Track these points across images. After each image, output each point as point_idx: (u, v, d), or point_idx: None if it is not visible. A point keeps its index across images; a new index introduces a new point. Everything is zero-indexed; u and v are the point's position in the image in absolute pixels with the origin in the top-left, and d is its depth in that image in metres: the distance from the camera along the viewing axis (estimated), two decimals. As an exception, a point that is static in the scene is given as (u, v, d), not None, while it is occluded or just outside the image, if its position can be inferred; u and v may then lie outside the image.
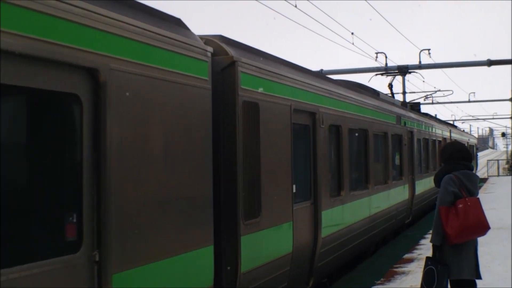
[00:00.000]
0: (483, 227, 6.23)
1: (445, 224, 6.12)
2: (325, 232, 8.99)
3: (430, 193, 20.85)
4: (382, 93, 16.06)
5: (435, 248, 6.28)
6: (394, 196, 14.56)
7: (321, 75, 10.10)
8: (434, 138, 22.42)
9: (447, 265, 6.15)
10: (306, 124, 8.67)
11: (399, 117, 15.39)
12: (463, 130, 50.01)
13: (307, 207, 8.55)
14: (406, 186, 16.22)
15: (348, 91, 11.08)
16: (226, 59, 6.35)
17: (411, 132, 17.40)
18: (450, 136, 28.02)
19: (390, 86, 23.84)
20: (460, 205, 6.15)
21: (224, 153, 6.29)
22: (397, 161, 15.42)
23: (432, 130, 21.78)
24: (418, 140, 18.70)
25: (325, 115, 9.22)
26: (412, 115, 18.04)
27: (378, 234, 13.08)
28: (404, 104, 22.00)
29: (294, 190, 7.99)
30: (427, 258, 6.36)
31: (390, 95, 23.61)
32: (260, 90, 6.95)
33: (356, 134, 11.65)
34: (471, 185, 6.35)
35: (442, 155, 6.69)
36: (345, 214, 10.24)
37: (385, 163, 13.95)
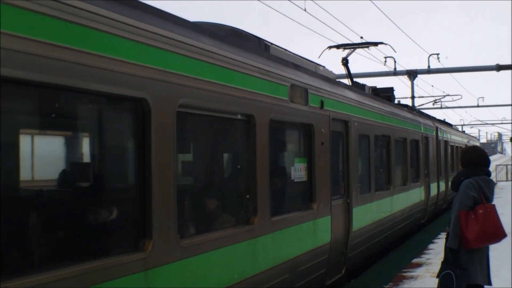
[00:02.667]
0: (501, 234, 6.37)
1: (465, 228, 6.15)
2: None
3: (392, 222, 13.38)
4: (278, 47, 8.70)
5: (451, 251, 6.27)
6: (289, 245, 7.27)
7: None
8: (404, 137, 14.94)
9: (466, 269, 6.18)
10: None
11: (302, 91, 8.03)
12: (464, 132, 42.41)
13: None
14: (325, 221, 8.81)
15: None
16: None
17: (345, 123, 10.01)
18: (437, 135, 20.50)
19: (345, 62, 16.46)
20: (480, 211, 6.22)
21: None
22: (297, 175, 8.06)
23: (397, 123, 14.25)
24: (364, 137, 11.27)
25: None
26: (349, 94, 10.59)
27: None
28: (359, 85, 14.64)
29: None
30: (443, 262, 6.41)
31: (347, 75, 16.29)
32: None
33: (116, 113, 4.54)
34: (489, 191, 6.47)
35: (464, 159, 6.66)
36: None
37: (253, 179, 6.59)
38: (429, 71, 29.20)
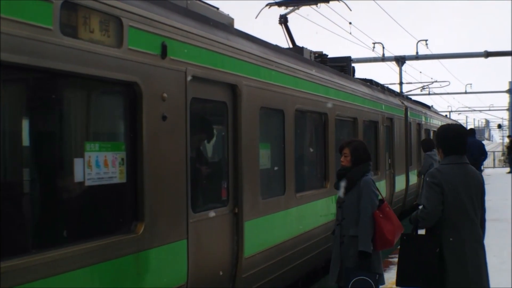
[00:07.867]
0: (401, 228, 5.98)
1: (383, 229, 5.77)
2: None
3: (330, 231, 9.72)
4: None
5: (365, 256, 5.73)
6: None
7: None
8: (353, 116, 11.20)
9: (381, 274, 5.90)
10: None
11: (107, 20, 4.37)
12: (447, 116, 38.79)
13: None
14: (173, 249, 5.13)
15: None
16: None
17: (232, 88, 6.31)
18: (406, 117, 16.83)
19: (283, 20, 12.84)
20: (387, 208, 5.97)
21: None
22: (96, 173, 4.38)
23: (340, 97, 10.44)
24: (274, 112, 7.57)
25: None
26: (244, 45, 6.84)
27: None
28: (297, 49, 11.07)
29: None
30: (350, 269, 5.78)
31: (288, 37, 12.67)
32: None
33: None
34: None
35: (358, 155, 6.28)
36: None
37: None
38: (417, 57, 29.13)
